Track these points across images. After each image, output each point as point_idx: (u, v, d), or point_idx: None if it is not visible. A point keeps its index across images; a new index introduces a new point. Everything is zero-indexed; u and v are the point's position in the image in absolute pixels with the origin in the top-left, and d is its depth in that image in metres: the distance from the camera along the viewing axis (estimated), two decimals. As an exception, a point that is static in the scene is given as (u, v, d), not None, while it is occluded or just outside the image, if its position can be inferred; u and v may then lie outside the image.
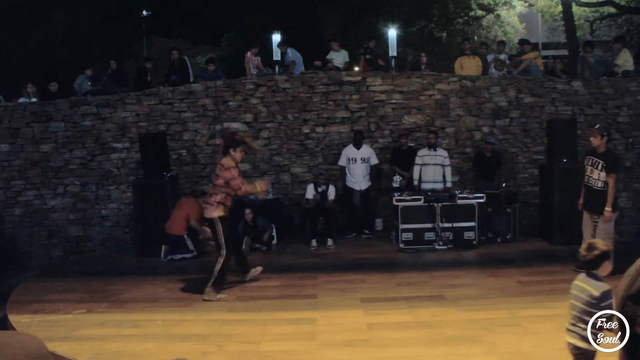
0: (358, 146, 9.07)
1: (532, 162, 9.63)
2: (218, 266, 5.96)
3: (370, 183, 9.14)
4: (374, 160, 9.13)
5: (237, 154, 6.07)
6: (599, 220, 6.30)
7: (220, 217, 5.97)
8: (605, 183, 6.25)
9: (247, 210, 8.46)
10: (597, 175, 6.30)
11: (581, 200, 6.56)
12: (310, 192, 8.69)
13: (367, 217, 9.29)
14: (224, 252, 5.96)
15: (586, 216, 6.52)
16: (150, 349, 4.64)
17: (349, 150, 9.12)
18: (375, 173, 9.23)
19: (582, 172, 6.63)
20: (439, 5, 18.42)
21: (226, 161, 5.97)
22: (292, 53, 10.36)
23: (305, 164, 9.74)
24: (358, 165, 9.01)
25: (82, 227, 9.68)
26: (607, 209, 6.17)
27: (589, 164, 6.42)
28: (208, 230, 8.27)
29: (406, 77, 9.88)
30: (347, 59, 10.75)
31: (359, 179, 9.03)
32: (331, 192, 8.66)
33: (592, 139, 6.42)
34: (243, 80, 9.96)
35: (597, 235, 6.22)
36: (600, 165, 6.27)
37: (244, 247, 8.14)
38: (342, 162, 9.18)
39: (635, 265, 1.06)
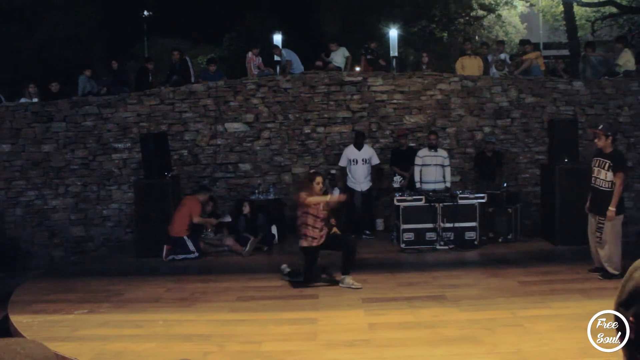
0: (359, 147, 9.04)
1: (533, 162, 9.62)
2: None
3: (371, 184, 9.10)
4: (375, 161, 9.09)
5: (311, 190, 6.29)
6: (605, 221, 6.11)
7: (304, 247, 6.25)
8: (612, 184, 6.05)
9: (245, 204, 8.60)
10: (603, 176, 6.12)
11: (588, 204, 6.38)
12: None
13: (368, 218, 9.27)
14: (302, 277, 6.38)
15: (591, 220, 6.36)
16: (152, 349, 4.64)
17: (349, 151, 9.08)
18: (376, 173, 9.21)
19: (584, 172, 6.52)
20: (440, 5, 18.41)
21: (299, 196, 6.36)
22: (286, 53, 10.38)
23: (306, 164, 9.74)
24: (359, 166, 8.98)
25: (83, 227, 9.70)
26: (611, 208, 5.99)
27: (596, 165, 6.22)
28: (214, 222, 8.34)
29: (407, 77, 9.89)
30: (347, 54, 10.59)
31: (360, 180, 8.99)
32: (335, 193, 8.60)
33: (596, 140, 6.23)
34: (244, 80, 9.97)
35: (604, 237, 6.12)
36: (607, 165, 6.09)
37: (247, 248, 8.15)
38: (342, 162, 9.14)
39: (627, 272, 1.07)
